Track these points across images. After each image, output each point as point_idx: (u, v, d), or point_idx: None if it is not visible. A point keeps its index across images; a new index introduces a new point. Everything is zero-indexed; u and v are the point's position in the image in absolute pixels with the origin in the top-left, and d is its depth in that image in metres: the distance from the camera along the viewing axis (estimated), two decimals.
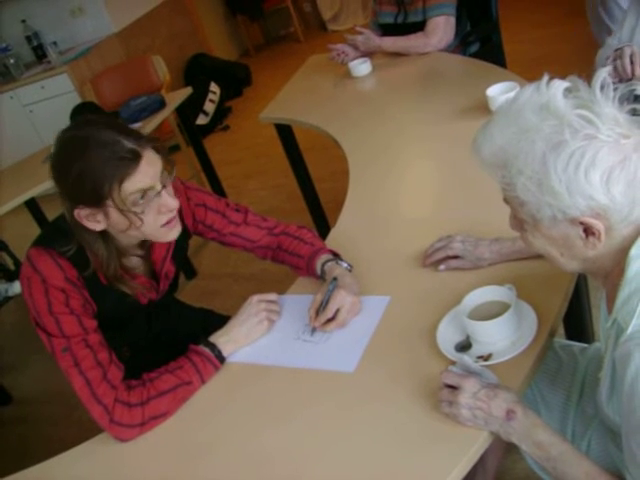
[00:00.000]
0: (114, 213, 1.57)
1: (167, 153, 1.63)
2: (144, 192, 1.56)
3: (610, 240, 1.13)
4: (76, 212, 1.57)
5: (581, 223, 1.11)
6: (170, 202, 1.62)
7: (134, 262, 1.79)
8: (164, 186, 1.60)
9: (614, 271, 1.18)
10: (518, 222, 1.24)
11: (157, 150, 1.60)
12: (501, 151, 1.15)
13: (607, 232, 1.11)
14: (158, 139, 1.64)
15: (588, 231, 1.12)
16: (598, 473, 1.21)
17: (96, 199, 1.54)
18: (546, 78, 1.14)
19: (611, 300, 1.22)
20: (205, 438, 1.56)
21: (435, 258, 1.77)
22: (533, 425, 1.26)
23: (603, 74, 1.11)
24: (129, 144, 1.53)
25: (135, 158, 1.53)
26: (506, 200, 1.22)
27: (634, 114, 1.11)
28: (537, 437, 1.25)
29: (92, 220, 1.59)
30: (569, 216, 1.11)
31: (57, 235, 1.66)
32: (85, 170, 1.52)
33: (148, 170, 1.55)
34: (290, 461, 1.42)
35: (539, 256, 1.59)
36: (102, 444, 1.65)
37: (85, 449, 1.68)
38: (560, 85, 1.12)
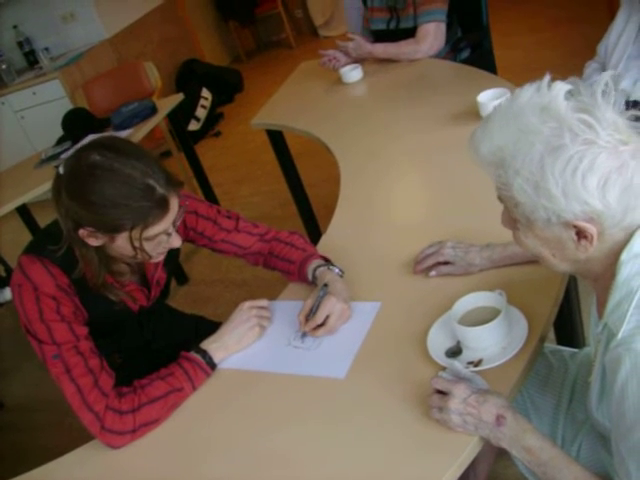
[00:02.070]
0: (123, 243, 1.59)
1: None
2: (158, 234, 1.60)
3: (602, 244, 1.13)
4: (81, 232, 1.58)
5: (574, 226, 1.11)
6: (176, 243, 1.68)
7: (126, 269, 1.80)
8: (175, 228, 1.65)
9: (605, 274, 1.18)
10: (511, 220, 1.23)
11: (179, 195, 1.63)
12: (499, 150, 1.14)
13: (599, 236, 1.11)
14: (182, 184, 1.65)
15: (581, 234, 1.12)
16: (588, 478, 1.21)
17: (111, 230, 1.56)
18: (547, 79, 1.13)
19: (601, 304, 1.22)
20: (196, 444, 1.56)
21: (426, 265, 1.77)
22: (523, 430, 1.26)
23: (605, 78, 1.10)
24: (161, 190, 1.54)
25: (164, 208, 1.56)
26: (500, 199, 1.21)
27: (636, 119, 1.09)
28: (527, 442, 1.25)
29: (92, 237, 1.59)
30: (563, 219, 1.10)
31: (48, 242, 1.65)
32: (111, 204, 1.52)
33: (170, 217, 1.60)
34: (281, 467, 1.42)
35: (529, 262, 1.61)
36: (94, 450, 1.64)
37: (77, 456, 1.67)
38: (562, 87, 1.11)
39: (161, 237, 1.62)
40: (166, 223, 1.59)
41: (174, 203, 1.60)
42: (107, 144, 1.57)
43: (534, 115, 1.10)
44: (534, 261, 1.59)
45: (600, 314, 1.24)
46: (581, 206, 1.07)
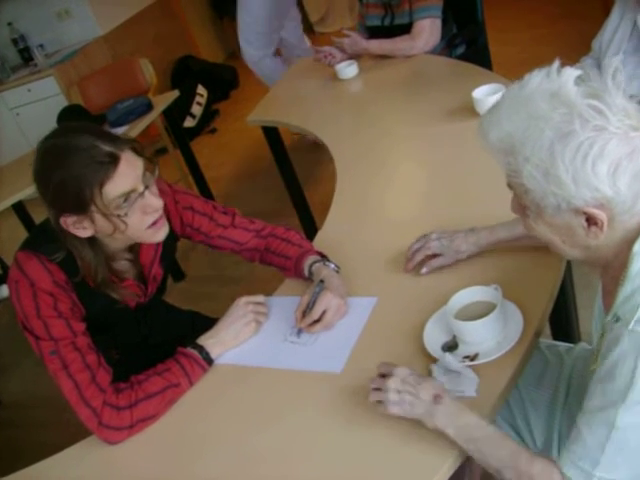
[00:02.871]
0: (99, 218, 1.57)
1: (149, 154, 1.64)
2: (126, 195, 1.56)
3: (612, 231, 1.12)
4: (62, 220, 1.57)
5: (584, 213, 1.10)
6: (154, 202, 1.62)
7: (123, 266, 1.79)
8: (147, 187, 1.61)
9: (614, 263, 1.18)
10: (520, 207, 1.22)
11: (136, 151, 1.60)
12: (508, 137, 1.13)
13: (609, 223, 1.11)
14: (136, 140, 1.64)
15: (591, 221, 1.11)
16: (522, 452, 1.21)
17: (79, 206, 1.54)
18: (557, 64, 1.12)
19: (609, 294, 1.22)
20: (193, 440, 1.57)
21: (416, 261, 1.77)
22: (459, 409, 1.27)
23: (615, 63, 1.09)
24: (106, 147, 1.53)
25: (113, 161, 1.53)
26: (510, 185, 1.20)
27: None
28: (463, 420, 1.26)
29: (79, 227, 1.59)
30: (573, 206, 1.10)
31: (45, 238, 1.66)
32: (65, 178, 1.52)
33: (128, 172, 1.55)
34: (278, 462, 1.43)
35: (525, 252, 1.62)
36: (90, 447, 1.65)
37: (75, 451, 1.68)
38: (572, 73, 1.10)
39: (133, 200, 1.57)
40: (126, 180, 1.55)
41: (128, 158, 1.56)
42: (58, 128, 1.63)
43: (544, 101, 1.10)
44: (525, 250, 1.61)
45: (607, 304, 1.24)
46: (591, 192, 1.07)
